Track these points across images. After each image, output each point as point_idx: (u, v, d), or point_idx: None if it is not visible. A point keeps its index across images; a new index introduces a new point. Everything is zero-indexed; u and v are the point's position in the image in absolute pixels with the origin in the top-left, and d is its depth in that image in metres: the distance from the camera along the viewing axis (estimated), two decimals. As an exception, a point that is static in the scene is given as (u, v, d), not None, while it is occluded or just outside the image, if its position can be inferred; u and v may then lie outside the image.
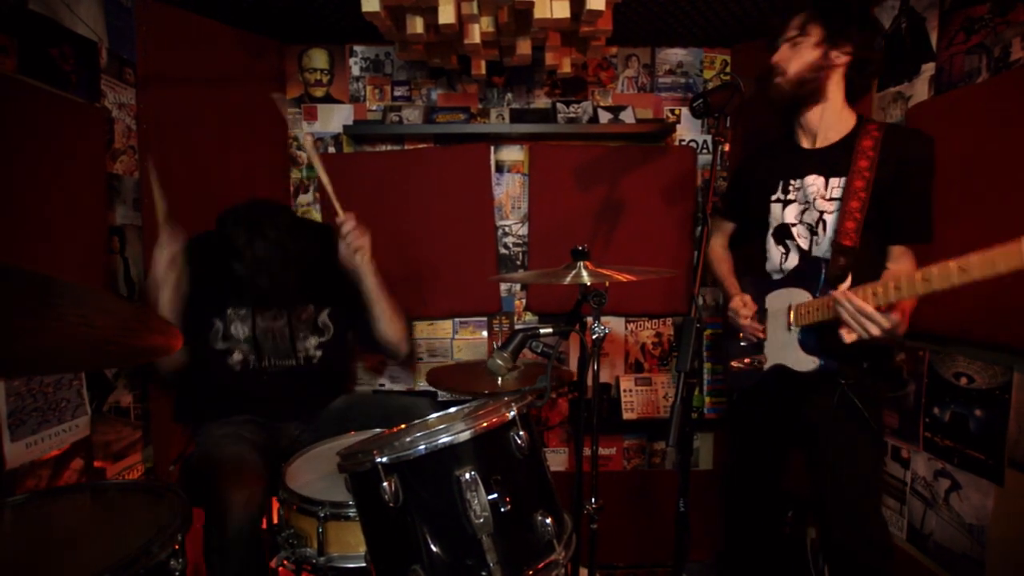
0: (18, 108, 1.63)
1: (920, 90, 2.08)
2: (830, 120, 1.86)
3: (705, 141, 2.82)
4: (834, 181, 1.83)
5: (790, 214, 1.91)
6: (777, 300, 1.91)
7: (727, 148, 2.78)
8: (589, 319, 1.74)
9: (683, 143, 2.82)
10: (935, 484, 2.04)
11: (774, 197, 1.96)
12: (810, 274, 1.81)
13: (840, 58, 1.80)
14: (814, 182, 1.86)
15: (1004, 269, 1.29)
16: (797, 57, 1.83)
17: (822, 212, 1.84)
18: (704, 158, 2.81)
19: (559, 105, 2.74)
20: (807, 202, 1.87)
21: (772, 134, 2.52)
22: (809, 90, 1.84)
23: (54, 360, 0.97)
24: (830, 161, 1.85)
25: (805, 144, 1.93)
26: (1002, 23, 1.77)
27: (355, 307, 2.22)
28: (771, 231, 1.97)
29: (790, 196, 1.92)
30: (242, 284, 2.04)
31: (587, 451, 1.82)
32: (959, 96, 1.92)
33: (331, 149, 2.76)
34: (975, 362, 1.87)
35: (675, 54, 2.79)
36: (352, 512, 1.54)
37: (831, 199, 1.82)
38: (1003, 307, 1.70)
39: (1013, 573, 1.78)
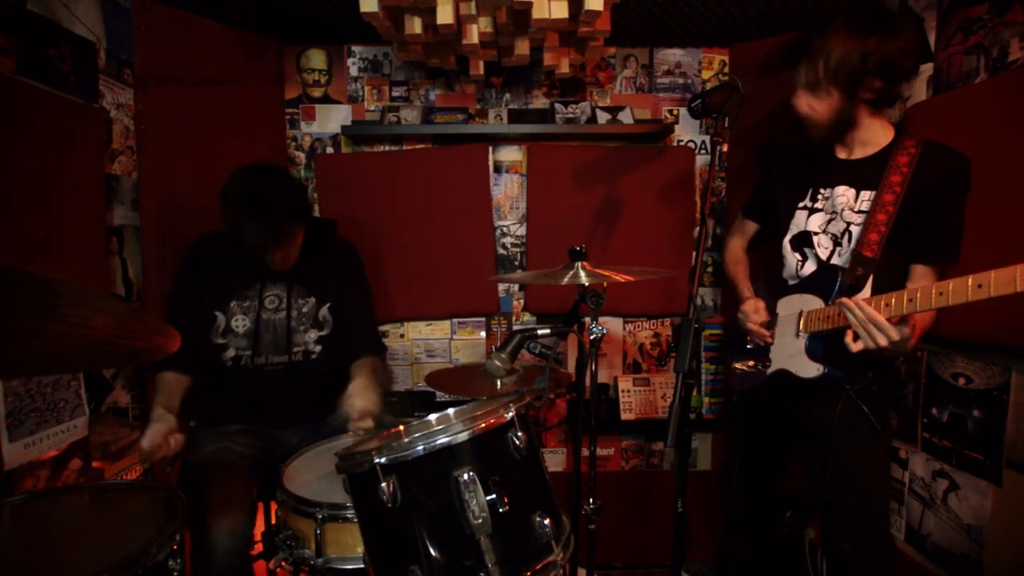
0: (16, 108, 1.63)
1: (918, 90, 2.08)
2: (866, 135, 1.80)
3: (703, 141, 2.82)
4: (865, 194, 1.78)
5: (814, 223, 1.88)
6: (788, 305, 1.89)
7: (725, 148, 2.76)
8: (587, 319, 1.74)
9: (681, 143, 2.82)
10: (933, 485, 2.04)
11: (801, 204, 1.92)
12: (825, 282, 1.79)
13: (867, 93, 1.72)
14: (844, 193, 1.82)
15: (1023, 288, 1.23)
16: (824, 106, 1.75)
17: (849, 224, 1.80)
18: (702, 158, 2.81)
19: (557, 105, 2.74)
20: (834, 212, 1.84)
21: (771, 134, 2.51)
22: (844, 127, 1.79)
23: (52, 360, 0.97)
24: (863, 173, 1.80)
25: (840, 154, 1.87)
26: (1000, 23, 1.77)
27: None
28: (789, 237, 1.94)
29: (817, 205, 1.88)
30: (248, 259, 2.01)
31: (585, 451, 1.82)
32: (957, 96, 1.92)
33: (329, 149, 2.77)
34: (973, 363, 1.87)
35: (673, 54, 2.79)
36: (350, 513, 1.54)
37: (859, 211, 1.78)
38: (1002, 308, 1.69)
39: (1011, 573, 1.78)
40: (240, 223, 1.89)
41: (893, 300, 1.50)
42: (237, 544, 1.68)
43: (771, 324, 1.93)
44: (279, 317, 2.12)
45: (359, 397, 1.94)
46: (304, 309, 2.17)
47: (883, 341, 1.51)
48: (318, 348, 2.18)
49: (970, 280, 1.33)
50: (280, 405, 2.11)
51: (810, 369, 1.77)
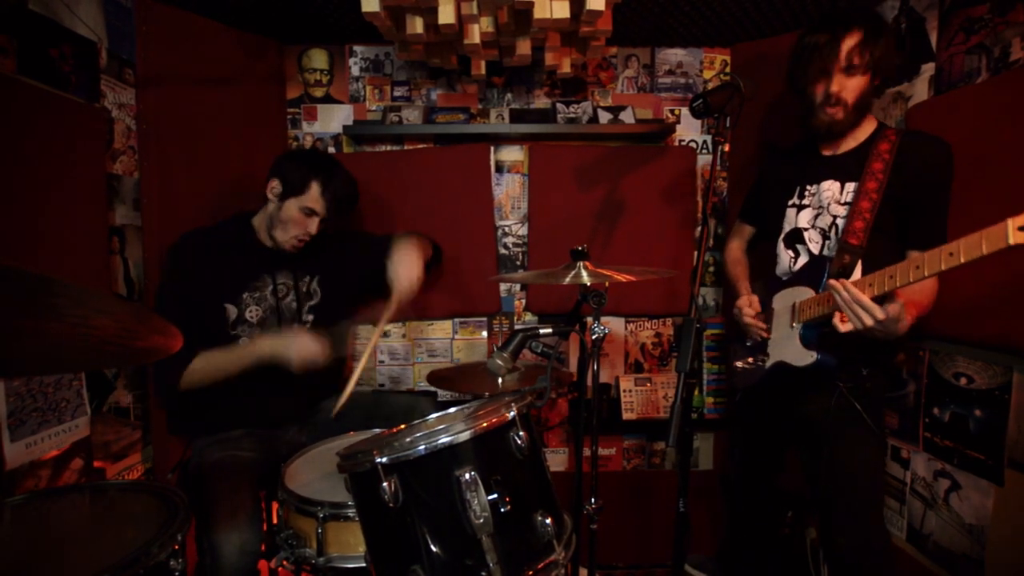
0: (18, 108, 1.63)
1: (920, 90, 2.08)
2: (852, 129, 1.84)
3: (705, 141, 2.82)
4: (849, 186, 1.82)
5: (803, 219, 1.92)
6: (783, 299, 1.92)
7: (727, 148, 2.79)
8: (589, 319, 1.74)
9: (683, 143, 2.82)
10: (935, 484, 2.04)
11: (791, 202, 1.96)
12: (814, 272, 1.82)
13: (879, 78, 1.77)
14: (830, 187, 1.86)
15: (988, 251, 1.30)
16: (855, 86, 1.75)
17: (835, 216, 1.83)
18: (704, 158, 2.81)
19: (559, 105, 2.74)
20: (821, 207, 1.87)
21: (773, 133, 2.51)
22: (863, 112, 1.81)
23: (54, 360, 0.97)
24: (847, 166, 1.84)
25: (826, 152, 1.92)
26: (1002, 23, 1.77)
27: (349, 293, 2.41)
28: (783, 235, 1.97)
29: (805, 201, 1.92)
30: (250, 250, 2.14)
31: (587, 451, 1.82)
32: (959, 96, 1.92)
33: (331, 149, 2.76)
34: (975, 362, 1.87)
35: (675, 54, 2.78)
36: (351, 512, 1.54)
37: (845, 203, 1.82)
38: (1003, 307, 1.70)
39: (1013, 573, 1.78)
40: (318, 175, 2.08)
41: (876, 280, 1.55)
42: (247, 561, 1.67)
43: (767, 319, 1.95)
44: (288, 301, 2.21)
45: (402, 266, 2.18)
46: (304, 289, 2.27)
47: (869, 320, 1.54)
48: (310, 318, 2.27)
49: (942, 250, 1.40)
50: (285, 388, 2.11)
51: (804, 357, 1.79)
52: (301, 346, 2.00)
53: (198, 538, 1.76)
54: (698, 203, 2.80)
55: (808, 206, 1.91)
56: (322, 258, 2.30)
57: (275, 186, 2.08)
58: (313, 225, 2.11)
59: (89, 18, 1.90)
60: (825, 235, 1.86)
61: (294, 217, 2.07)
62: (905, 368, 2.13)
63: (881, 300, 1.55)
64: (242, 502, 1.76)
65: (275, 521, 1.74)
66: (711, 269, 2.91)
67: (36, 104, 1.69)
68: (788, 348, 1.85)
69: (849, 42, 1.72)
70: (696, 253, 1.61)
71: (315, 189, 2.06)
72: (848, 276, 1.73)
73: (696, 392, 2.74)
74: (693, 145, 2.81)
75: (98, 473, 1.93)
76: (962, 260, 1.35)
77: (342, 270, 2.36)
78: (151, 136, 2.14)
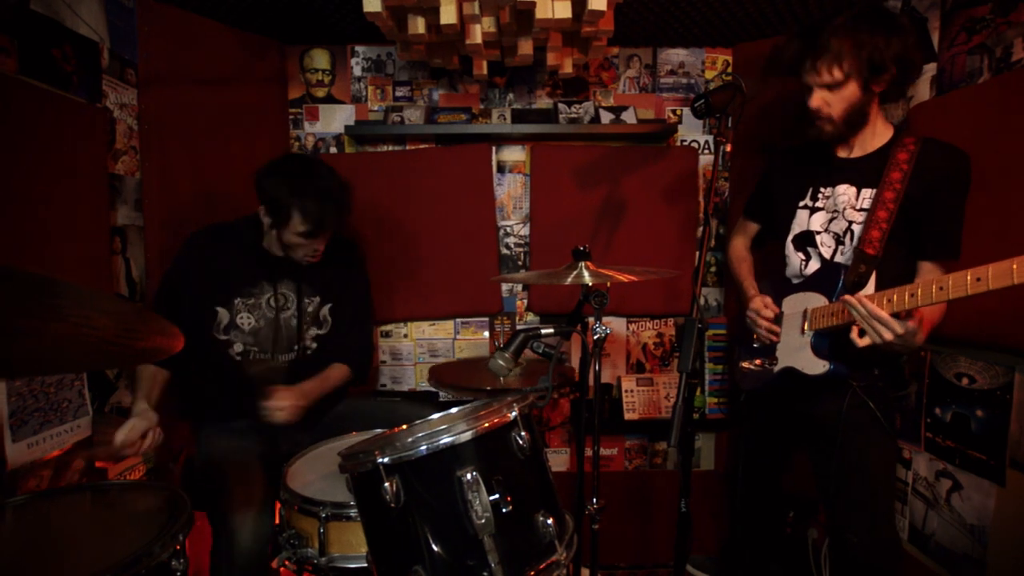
0: (19, 109, 1.63)
1: (922, 90, 2.07)
2: (867, 133, 1.82)
3: (707, 141, 2.82)
4: (866, 192, 1.80)
5: (816, 222, 1.89)
6: (793, 304, 1.90)
7: (729, 148, 2.78)
8: (590, 319, 1.74)
9: (685, 143, 2.82)
10: (936, 484, 2.03)
11: (802, 203, 1.94)
12: (828, 279, 1.80)
13: (880, 85, 1.75)
14: (845, 192, 1.84)
15: (1020, 280, 1.28)
16: (840, 100, 1.74)
17: (851, 222, 1.81)
18: (706, 158, 2.81)
19: (561, 105, 2.74)
20: (836, 211, 1.85)
21: (775, 133, 2.51)
22: (858, 125, 1.79)
23: (55, 360, 0.97)
24: (864, 172, 1.82)
25: (841, 153, 1.89)
26: (1004, 23, 1.77)
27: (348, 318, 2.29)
28: (792, 236, 1.95)
29: (818, 204, 1.90)
30: (254, 256, 2.09)
31: (588, 451, 1.81)
32: (961, 96, 1.91)
33: (332, 149, 2.77)
34: (976, 363, 1.87)
35: (676, 54, 2.78)
36: (353, 512, 1.54)
37: (861, 209, 1.80)
38: (1005, 308, 1.69)
39: (1014, 574, 1.77)
40: (297, 201, 1.93)
41: (895, 296, 1.54)
42: (260, 546, 1.71)
43: (777, 322, 1.94)
44: (287, 315, 2.15)
45: (282, 394, 1.98)
46: (310, 308, 2.21)
47: (888, 335, 1.54)
48: (314, 345, 2.22)
49: (969, 274, 1.37)
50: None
51: (816, 366, 1.78)
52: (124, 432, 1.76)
53: (212, 523, 1.80)
54: (700, 203, 2.80)
55: (822, 209, 1.89)
56: (332, 281, 2.24)
57: (263, 213, 2.01)
58: (317, 242, 2.04)
59: (91, 18, 1.90)
60: (839, 240, 1.84)
61: (292, 243, 2.02)
62: (907, 368, 2.13)
63: (896, 315, 1.54)
64: (256, 491, 1.80)
65: (277, 521, 1.74)
66: (713, 269, 2.91)
67: (38, 104, 1.69)
68: (799, 355, 1.83)
69: (823, 56, 1.69)
70: (698, 253, 1.61)
71: (296, 218, 1.95)
72: (863, 286, 1.73)
73: (698, 392, 2.73)
74: (695, 145, 2.81)
75: (100, 473, 1.93)
76: (991, 287, 1.32)
77: (345, 305, 2.29)
78: (153, 136, 2.14)
